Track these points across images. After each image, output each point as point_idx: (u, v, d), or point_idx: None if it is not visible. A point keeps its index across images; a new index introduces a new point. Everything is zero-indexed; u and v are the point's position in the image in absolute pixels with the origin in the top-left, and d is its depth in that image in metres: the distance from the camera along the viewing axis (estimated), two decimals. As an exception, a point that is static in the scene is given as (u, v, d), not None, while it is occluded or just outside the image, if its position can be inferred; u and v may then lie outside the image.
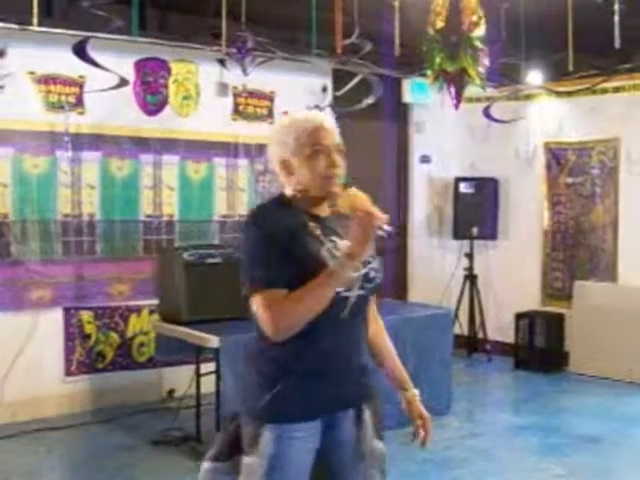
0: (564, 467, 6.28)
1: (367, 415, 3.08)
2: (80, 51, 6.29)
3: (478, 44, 5.93)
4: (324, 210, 3.08)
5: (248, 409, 2.98)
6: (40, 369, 7.38)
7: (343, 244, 2.91)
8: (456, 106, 6.07)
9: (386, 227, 2.83)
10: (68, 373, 7.56)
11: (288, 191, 3.06)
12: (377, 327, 3.33)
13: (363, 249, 2.82)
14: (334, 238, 2.99)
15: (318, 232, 2.97)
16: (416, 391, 3.29)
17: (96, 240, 7.64)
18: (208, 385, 6.43)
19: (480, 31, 5.83)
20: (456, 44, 5.93)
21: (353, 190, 2.95)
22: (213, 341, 6.10)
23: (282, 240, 2.86)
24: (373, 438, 3.10)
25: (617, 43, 6.56)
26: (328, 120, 3.10)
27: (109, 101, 7.40)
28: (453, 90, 5.98)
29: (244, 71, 7.08)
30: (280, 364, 2.92)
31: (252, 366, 3.02)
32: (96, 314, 7.67)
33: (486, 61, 5.91)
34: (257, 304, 2.86)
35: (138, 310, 7.86)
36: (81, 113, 7.50)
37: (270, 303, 2.82)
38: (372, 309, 3.24)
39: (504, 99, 9.47)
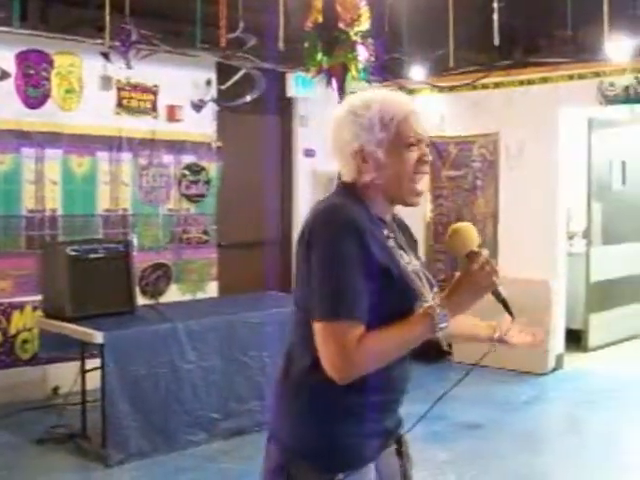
0: (448, 453, 6.46)
1: (407, 445, 2.69)
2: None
3: (357, 39, 6.01)
4: (388, 213, 2.59)
5: (313, 458, 2.42)
6: None
7: (418, 266, 2.56)
8: (341, 99, 6.14)
9: (501, 288, 2.42)
10: (-51, 372, 7.42)
11: (357, 184, 2.51)
12: None
13: (469, 305, 2.40)
14: (402, 253, 2.54)
15: (393, 245, 2.50)
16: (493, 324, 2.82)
17: (-23, 236, 7.50)
18: (93, 381, 6.38)
19: (362, 26, 5.90)
20: (333, 40, 6.01)
21: (468, 225, 2.48)
22: (97, 337, 6.05)
23: (380, 257, 2.36)
24: (412, 467, 2.71)
25: (496, 40, 6.73)
26: (414, 103, 2.58)
27: (-11, 94, 7.27)
28: (336, 84, 6.05)
29: (128, 64, 7.03)
30: (346, 398, 2.39)
31: (302, 404, 2.46)
32: (-23, 311, 7.53)
33: (370, 56, 5.99)
34: (328, 333, 2.32)
35: (21, 307, 7.71)
36: (-41, 106, 7.35)
37: (346, 339, 2.29)
38: None
39: (387, 93, 9.60)
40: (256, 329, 6.78)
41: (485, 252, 2.41)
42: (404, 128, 2.47)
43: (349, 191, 2.49)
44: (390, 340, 2.36)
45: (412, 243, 2.72)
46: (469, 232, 2.44)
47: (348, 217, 2.35)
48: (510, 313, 2.49)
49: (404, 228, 2.72)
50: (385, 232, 2.49)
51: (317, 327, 2.33)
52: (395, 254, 2.46)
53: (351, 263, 2.30)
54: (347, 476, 2.39)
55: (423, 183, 2.52)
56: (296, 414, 2.47)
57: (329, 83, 6.08)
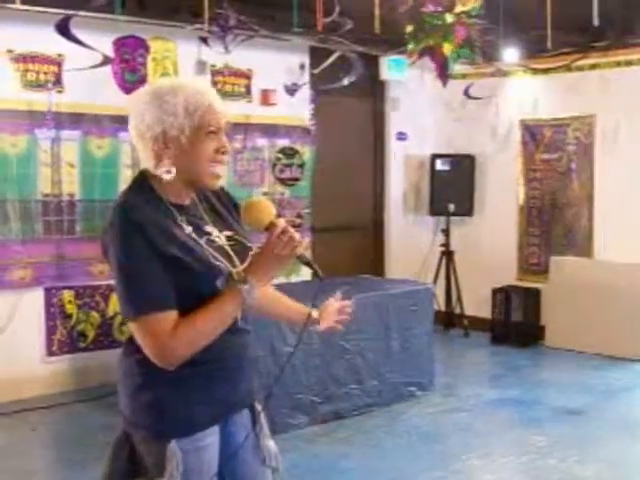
0: (546, 438, 6.38)
1: (262, 414, 2.85)
2: (63, 29, 6.25)
3: (455, 20, 5.97)
4: (187, 197, 2.69)
5: (146, 427, 2.62)
6: (21, 350, 7.36)
7: (223, 237, 2.66)
8: (444, 83, 6.11)
9: (305, 253, 2.53)
10: (50, 353, 7.55)
11: (151, 172, 2.61)
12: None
13: (274, 274, 2.54)
14: (207, 228, 2.67)
15: (190, 230, 2.58)
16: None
17: (76, 219, 7.61)
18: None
19: (468, 6, 5.85)
20: (426, 23, 5.98)
21: (258, 199, 2.63)
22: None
23: (166, 248, 2.47)
24: (267, 437, 2.91)
25: (595, 20, 6.61)
26: (217, 94, 2.69)
27: (88, 79, 7.36)
28: (437, 67, 6.02)
29: (226, 49, 7.08)
30: (172, 370, 2.52)
31: (137, 379, 2.64)
32: (77, 293, 7.65)
33: (470, 36, 5.94)
34: (141, 329, 2.47)
35: (119, 289, 7.82)
36: (60, 92, 7.45)
37: (159, 330, 2.44)
38: None
39: (480, 76, 9.52)
40: (352, 313, 6.76)
41: (282, 222, 2.51)
42: (207, 117, 2.57)
43: (144, 182, 2.61)
44: (204, 321, 2.48)
45: (230, 213, 2.83)
46: (262, 206, 2.57)
47: (132, 218, 2.45)
48: (317, 274, 2.57)
49: (222, 199, 2.85)
50: (179, 219, 2.58)
51: (132, 327, 2.51)
52: (187, 241, 2.54)
53: (142, 259, 2.43)
54: (179, 443, 2.55)
55: (222, 168, 2.65)
56: (131, 386, 2.66)
57: (433, 66, 6.04)
